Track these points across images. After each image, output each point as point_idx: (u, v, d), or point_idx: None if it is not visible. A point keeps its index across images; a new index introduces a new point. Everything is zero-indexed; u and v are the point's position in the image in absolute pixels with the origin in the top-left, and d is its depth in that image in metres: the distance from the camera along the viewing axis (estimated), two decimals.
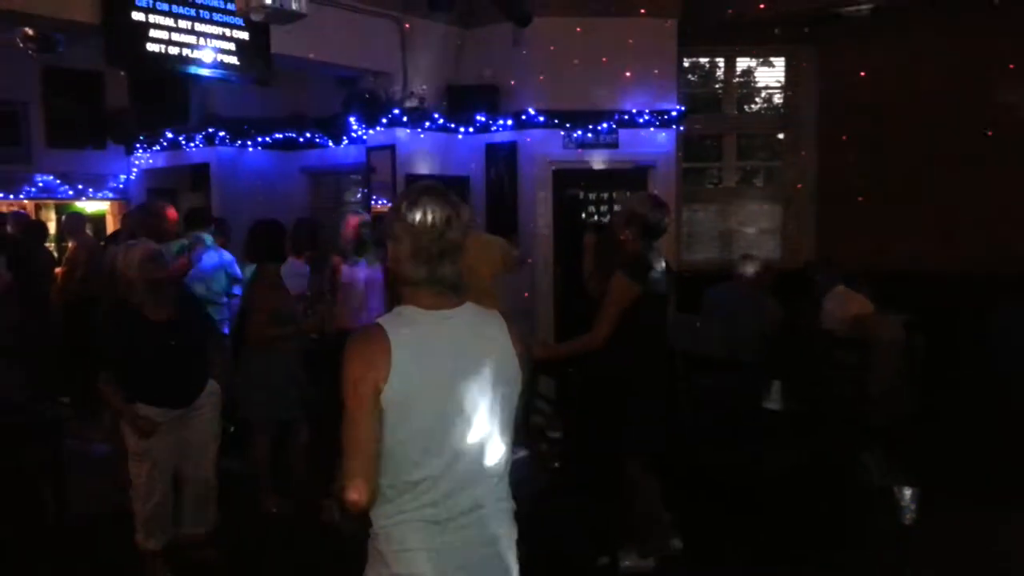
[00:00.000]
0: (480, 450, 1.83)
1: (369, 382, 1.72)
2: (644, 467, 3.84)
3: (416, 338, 1.78)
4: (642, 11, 7.18)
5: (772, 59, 8.96)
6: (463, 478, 1.80)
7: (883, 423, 5.17)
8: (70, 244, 7.57)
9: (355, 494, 1.71)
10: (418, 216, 1.79)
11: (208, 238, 5.66)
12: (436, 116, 7.28)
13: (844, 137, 8.08)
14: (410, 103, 7.09)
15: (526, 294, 7.09)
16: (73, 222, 7.79)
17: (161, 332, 3.63)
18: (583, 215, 7.60)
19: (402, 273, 1.85)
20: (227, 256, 5.68)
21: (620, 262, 3.77)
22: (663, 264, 3.84)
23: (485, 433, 1.83)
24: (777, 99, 9.19)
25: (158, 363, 3.62)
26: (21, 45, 6.78)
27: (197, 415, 3.86)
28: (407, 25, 7.32)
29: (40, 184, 9.22)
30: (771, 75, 9.13)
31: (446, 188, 1.89)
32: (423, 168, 7.14)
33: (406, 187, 1.97)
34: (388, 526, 1.79)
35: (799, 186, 8.72)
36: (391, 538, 1.79)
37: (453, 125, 7.41)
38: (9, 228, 7.49)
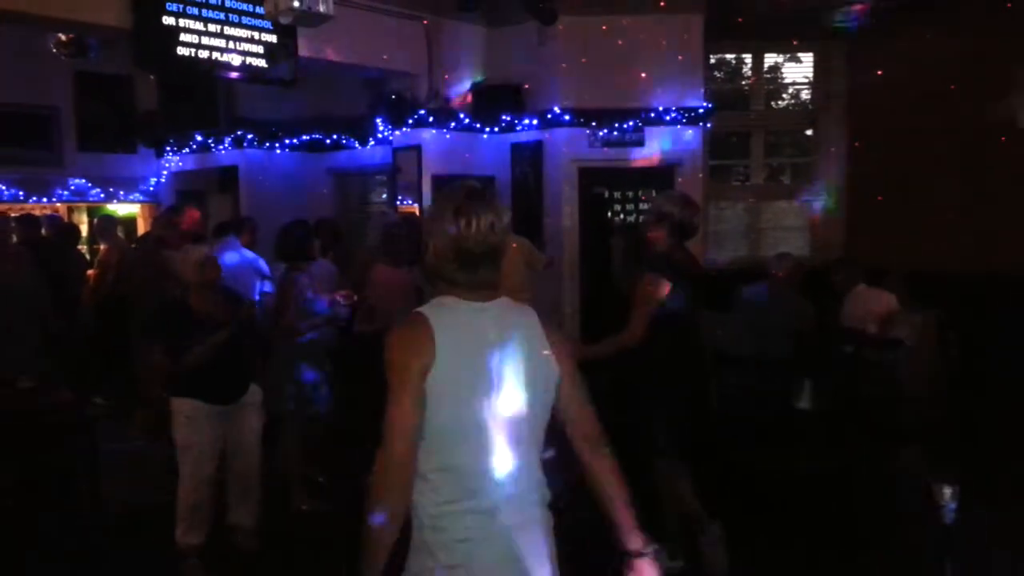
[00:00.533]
0: (520, 439, 1.86)
1: (414, 368, 1.76)
2: (673, 466, 3.82)
3: (458, 326, 1.83)
4: (667, 7, 7.13)
5: (800, 55, 8.88)
6: (505, 466, 1.83)
7: (917, 422, 5.10)
8: (102, 247, 7.68)
9: (394, 478, 1.75)
10: (462, 222, 1.82)
11: (232, 239, 5.73)
12: (462, 116, 7.29)
13: (873, 133, 7.99)
14: (436, 103, 7.12)
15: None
16: (105, 225, 7.89)
17: (212, 330, 3.83)
18: (609, 214, 7.57)
19: (441, 273, 1.89)
20: (249, 254, 5.73)
21: (649, 262, 3.76)
22: (694, 263, 3.82)
23: (525, 422, 1.87)
24: (805, 95, 9.11)
25: (210, 359, 3.80)
26: (54, 50, 6.90)
27: (242, 411, 4.04)
28: (433, 26, 7.34)
29: (72, 187, 9.37)
30: (799, 71, 9.05)
31: (486, 189, 1.93)
32: (449, 168, 7.16)
33: (447, 187, 1.97)
34: (435, 516, 1.81)
35: (821, 183, 8.65)
36: (437, 528, 1.81)
37: (479, 125, 7.43)
38: (44, 231, 7.61)
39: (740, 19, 7.44)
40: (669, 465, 3.82)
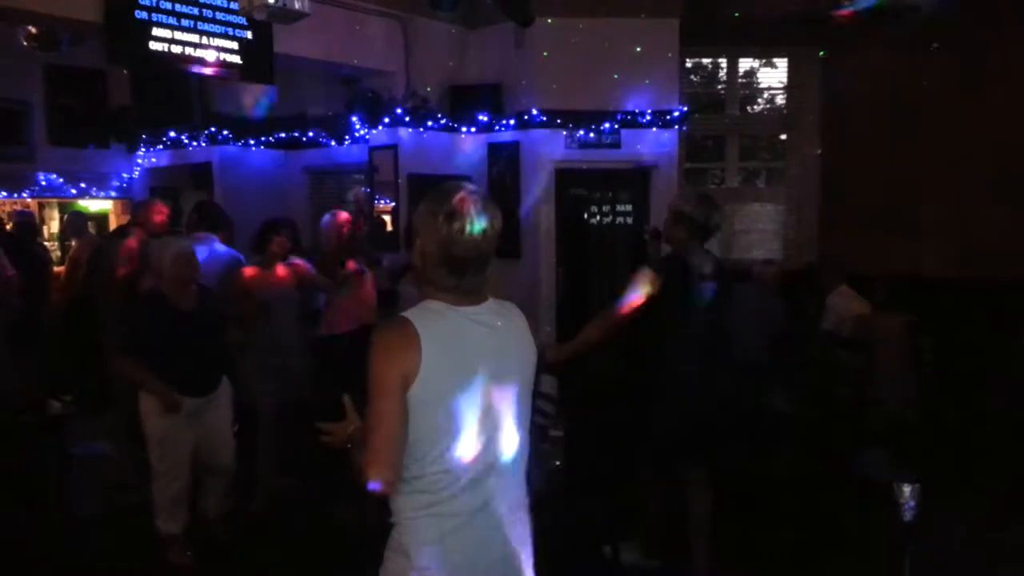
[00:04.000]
0: (504, 444, 1.86)
1: (398, 374, 1.73)
2: (660, 467, 3.82)
3: (444, 333, 1.79)
4: (644, 11, 7.16)
5: (775, 60, 8.95)
6: (487, 471, 1.83)
7: (887, 424, 5.17)
8: (73, 243, 7.58)
9: (381, 483, 1.73)
10: (455, 226, 1.77)
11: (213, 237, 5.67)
12: (439, 116, 7.28)
13: (847, 139, 8.07)
14: (413, 103, 7.10)
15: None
16: (75, 221, 7.80)
17: (187, 320, 3.90)
18: (585, 215, 7.60)
19: (428, 276, 1.85)
20: (221, 248, 5.66)
21: (658, 262, 3.70)
22: (713, 266, 3.68)
23: (509, 427, 1.87)
24: (780, 100, 9.18)
25: (184, 350, 3.86)
26: (25, 44, 6.80)
27: (215, 405, 4.08)
28: (410, 25, 7.32)
29: (43, 183, 9.22)
30: (774, 76, 9.12)
31: (482, 193, 1.85)
32: (425, 168, 7.13)
33: (441, 186, 1.82)
34: (412, 518, 1.80)
35: (799, 188, 8.72)
36: (416, 531, 1.80)
37: (456, 125, 7.41)
38: (9, 226, 7.52)
39: (722, 17, 7.46)
40: (658, 466, 3.82)
